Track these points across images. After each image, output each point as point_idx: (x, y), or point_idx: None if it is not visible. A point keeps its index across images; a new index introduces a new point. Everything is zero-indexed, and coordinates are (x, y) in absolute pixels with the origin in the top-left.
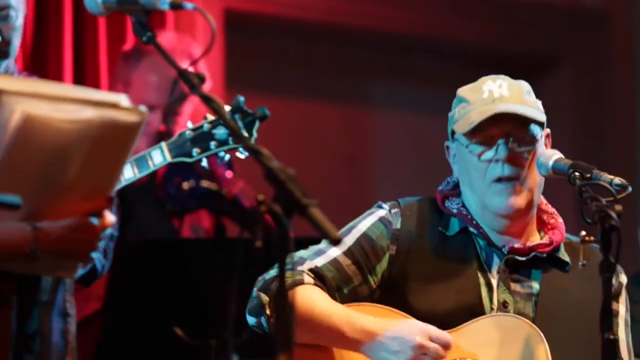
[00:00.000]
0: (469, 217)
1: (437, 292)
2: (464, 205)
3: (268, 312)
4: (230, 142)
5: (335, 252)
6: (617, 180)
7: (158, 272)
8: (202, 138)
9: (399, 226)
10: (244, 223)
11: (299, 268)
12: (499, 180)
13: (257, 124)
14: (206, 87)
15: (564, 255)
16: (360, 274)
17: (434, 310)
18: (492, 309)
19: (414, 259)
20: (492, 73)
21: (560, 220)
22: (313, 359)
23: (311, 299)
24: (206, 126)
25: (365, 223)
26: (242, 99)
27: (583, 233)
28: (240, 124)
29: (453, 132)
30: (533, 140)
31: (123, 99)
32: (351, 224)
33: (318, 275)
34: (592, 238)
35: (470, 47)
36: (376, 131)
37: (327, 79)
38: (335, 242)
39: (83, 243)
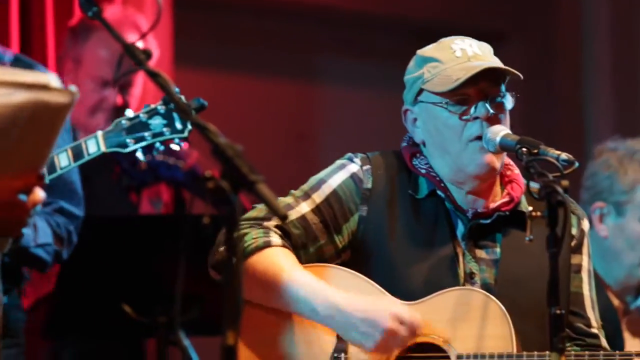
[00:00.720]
0: (437, 179)
1: (409, 261)
2: (431, 167)
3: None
4: (166, 133)
5: (304, 208)
6: (564, 155)
7: (106, 248)
8: (137, 128)
9: (369, 186)
10: (202, 194)
11: (266, 224)
12: (476, 139)
13: (192, 114)
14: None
15: (526, 207)
16: (326, 233)
17: (406, 278)
18: (459, 279)
19: (386, 224)
20: None
21: (517, 171)
22: (277, 326)
23: (279, 264)
24: (142, 116)
25: (336, 179)
26: (177, 89)
27: (530, 208)
28: (175, 115)
29: (417, 94)
30: (508, 99)
31: (53, 79)
32: (321, 175)
33: (284, 232)
34: (539, 213)
35: (419, 21)
36: (326, 107)
37: (276, 54)
38: (283, 218)
39: (12, 219)
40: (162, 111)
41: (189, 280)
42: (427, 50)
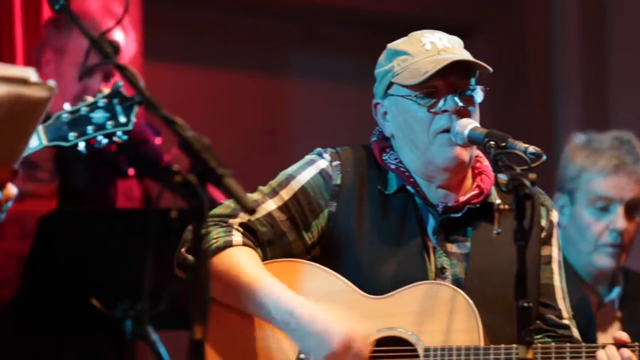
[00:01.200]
0: (406, 174)
1: (379, 257)
2: (401, 162)
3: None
4: (109, 126)
5: (271, 205)
6: (532, 148)
7: (74, 242)
8: (79, 122)
9: (339, 182)
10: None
11: (231, 221)
12: (445, 131)
13: (135, 108)
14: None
15: (496, 198)
16: (294, 230)
17: (375, 274)
18: (430, 274)
19: (355, 220)
20: None
21: (487, 162)
22: (237, 322)
23: (240, 265)
24: (84, 109)
25: (304, 175)
26: (120, 84)
27: (498, 201)
28: (118, 108)
29: (387, 88)
30: (477, 95)
31: (32, 74)
32: (290, 171)
33: (249, 230)
34: (506, 206)
35: (388, 15)
36: (296, 101)
37: (246, 48)
38: (251, 212)
39: None
40: (102, 104)
41: (157, 274)
42: (398, 44)
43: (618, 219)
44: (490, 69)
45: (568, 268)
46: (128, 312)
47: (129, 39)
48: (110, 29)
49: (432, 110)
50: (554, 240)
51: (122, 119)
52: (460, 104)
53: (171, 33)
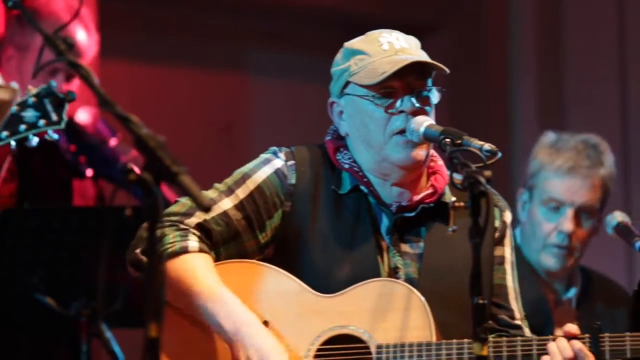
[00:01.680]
0: (360, 174)
1: (333, 257)
2: (355, 161)
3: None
4: (41, 124)
5: (226, 204)
6: (487, 146)
7: (29, 240)
8: (12, 121)
9: (294, 181)
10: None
11: (187, 221)
12: (401, 132)
13: (66, 106)
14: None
15: (450, 198)
16: (249, 229)
17: (329, 274)
18: (384, 274)
19: (309, 220)
20: None
21: (441, 162)
22: (189, 326)
23: (193, 274)
24: (14, 109)
25: (260, 174)
26: (53, 83)
27: (453, 199)
28: (50, 107)
29: (344, 87)
30: (433, 95)
31: None
32: (245, 170)
33: (205, 231)
34: (462, 204)
35: (347, 13)
36: (253, 98)
37: (203, 46)
38: (206, 209)
39: None
40: (32, 103)
41: (112, 272)
42: (355, 43)
43: (566, 221)
44: (447, 70)
45: (526, 265)
46: (82, 310)
47: (92, 39)
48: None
49: (389, 110)
50: (507, 241)
51: (54, 117)
52: (417, 104)
53: (127, 30)
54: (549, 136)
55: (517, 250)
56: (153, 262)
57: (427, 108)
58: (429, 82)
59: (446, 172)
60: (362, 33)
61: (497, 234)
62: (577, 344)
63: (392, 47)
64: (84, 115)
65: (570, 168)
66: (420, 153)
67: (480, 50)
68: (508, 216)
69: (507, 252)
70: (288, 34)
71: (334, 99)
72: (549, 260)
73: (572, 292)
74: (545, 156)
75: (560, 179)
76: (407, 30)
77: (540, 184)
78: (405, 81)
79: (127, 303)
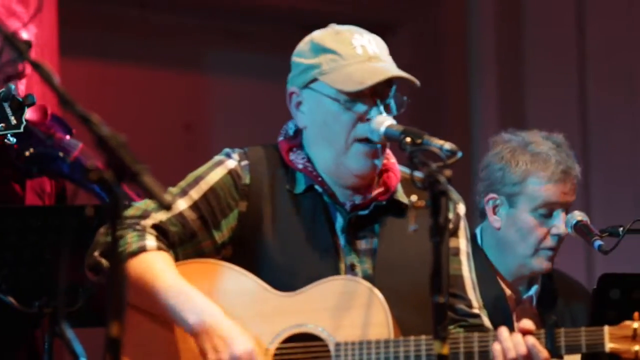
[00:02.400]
0: (314, 173)
1: (291, 257)
2: (309, 160)
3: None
4: None
5: (181, 205)
6: (447, 145)
7: None
8: None
9: (248, 181)
10: (88, 186)
11: (143, 223)
12: (363, 140)
13: (25, 110)
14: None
15: (402, 196)
16: (205, 230)
17: (287, 274)
18: (340, 273)
19: (266, 220)
20: None
21: (393, 160)
22: (150, 325)
23: (152, 271)
24: None
25: (213, 176)
26: (12, 87)
27: (413, 198)
28: (8, 111)
29: (310, 82)
30: (402, 103)
31: None
32: (198, 172)
33: (161, 231)
34: (421, 203)
35: (307, 13)
36: (212, 97)
37: (162, 45)
38: (167, 208)
39: None
40: None
41: (73, 271)
42: (326, 40)
43: (562, 224)
44: (418, 83)
45: (486, 265)
46: (44, 309)
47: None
48: (25, 24)
49: (358, 117)
50: (461, 232)
51: (13, 121)
52: (384, 114)
53: (87, 29)
54: (511, 139)
55: (478, 251)
56: (114, 261)
57: (388, 115)
58: (393, 89)
59: (398, 170)
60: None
61: (450, 226)
62: (531, 339)
63: (365, 52)
64: (31, 112)
65: (563, 172)
66: (377, 164)
67: (439, 49)
68: (462, 208)
69: (462, 243)
70: (247, 33)
71: (295, 89)
72: (542, 264)
73: (533, 290)
74: (528, 164)
75: (555, 185)
76: (366, 29)
77: (528, 191)
78: (374, 88)
79: (89, 302)
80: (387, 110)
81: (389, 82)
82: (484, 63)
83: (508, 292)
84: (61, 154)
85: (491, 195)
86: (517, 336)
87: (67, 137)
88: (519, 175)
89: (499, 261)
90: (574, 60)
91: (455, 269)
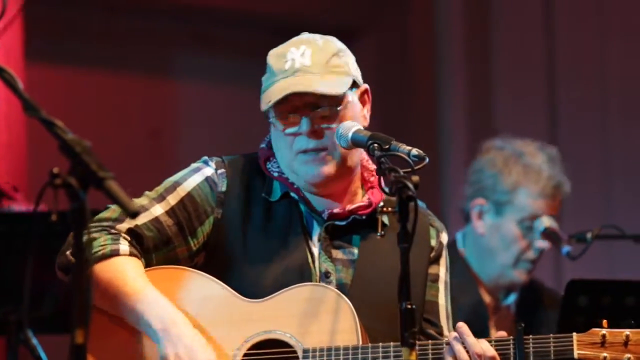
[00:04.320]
0: (289, 181)
1: (264, 264)
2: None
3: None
4: None
5: (157, 210)
6: (415, 151)
7: None
8: None
9: (224, 189)
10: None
11: (118, 227)
12: (305, 152)
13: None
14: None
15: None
16: (180, 235)
17: (259, 281)
18: (314, 279)
19: (240, 227)
20: None
21: (374, 178)
22: (120, 330)
23: (123, 276)
24: None
25: (190, 182)
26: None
27: (381, 204)
28: None
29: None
30: (333, 112)
31: None
32: (176, 178)
33: (136, 236)
34: (389, 209)
35: (276, 17)
36: (180, 103)
37: (129, 50)
38: (133, 215)
39: None
40: None
41: (39, 277)
42: (272, 55)
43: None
44: (338, 93)
45: (467, 270)
46: (9, 316)
47: None
48: None
49: (288, 132)
50: (442, 261)
51: None
52: (309, 127)
53: (53, 34)
54: (513, 150)
55: (458, 255)
56: (79, 267)
57: (333, 124)
58: (326, 102)
59: (381, 188)
60: (290, 36)
61: (433, 253)
62: (490, 351)
63: (291, 67)
64: None
65: (554, 187)
66: (326, 169)
67: (407, 54)
68: (444, 237)
69: (442, 271)
70: (216, 38)
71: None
72: (522, 275)
73: (512, 299)
74: (520, 175)
75: (545, 199)
76: (334, 34)
77: (518, 202)
78: (302, 101)
79: (54, 309)
80: (325, 120)
81: (321, 96)
82: (452, 68)
83: (487, 298)
84: None
85: (479, 200)
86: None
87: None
88: (510, 185)
89: (479, 267)
90: (543, 64)
91: (433, 295)
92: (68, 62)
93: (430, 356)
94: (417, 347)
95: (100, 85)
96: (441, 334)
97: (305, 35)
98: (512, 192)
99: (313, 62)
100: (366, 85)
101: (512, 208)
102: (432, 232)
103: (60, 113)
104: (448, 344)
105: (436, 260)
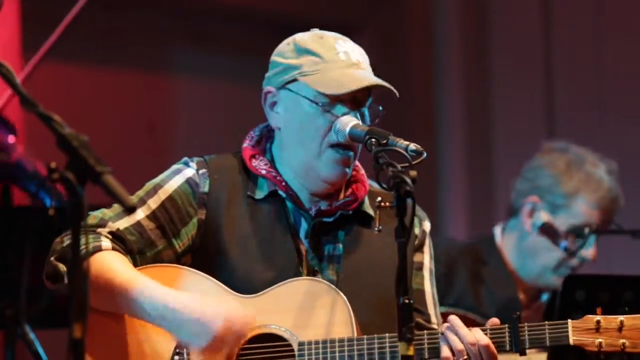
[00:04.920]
0: (278, 178)
1: (251, 262)
2: (272, 166)
3: (67, 281)
4: None
5: (139, 214)
6: (413, 146)
7: None
8: None
9: (206, 189)
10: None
11: (99, 230)
12: (336, 146)
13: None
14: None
15: (368, 207)
16: (164, 238)
17: (248, 280)
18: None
19: (225, 227)
20: None
21: (363, 171)
22: (112, 328)
23: (111, 268)
24: None
25: (171, 184)
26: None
27: (379, 199)
28: None
29: (289, 82)
30: (377, 113)
31: None
32: (156, 181)
33: (119, 239)
34: (387, 204)
35: (272, 13)
36: (177, 98)
37: (126, 46)
38: (130, 209)
39: None
40: None
41: (36, 272)
42: (308, 42)
43: (593, 250)
44: (397, 94)
45: (504, 266)
46: (6, 311)
47: None
48: None
49: (334, 121)
50: (426, 249)
51: None
52: (359, 121)
53: (48, 29)
54: (576, 155)
55: (495, 250)
56: (76, 262)
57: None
58: (370, 99)
59: (367, 182)
60: (287, 33)
61: (417, 241)
62: (478, 333)
63: (348, 58)
64: None
65: (612, 200)
66: (347, 172)
67: (404, 49)
68: (427, 226)
69: (426, 259)
70: (213, 33)
71: (271, 89)
72: (558, 281)
73: (545, 297)
74: (581, 182)
75: (600, 211)
76: (332, 30)
77: (574, 208)
78: (354, 96)
79: (51, 303)
80: (362, 118)
81: (367, 91)
82: (450, 63)
83: (521, 295)
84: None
85: (533, 197)
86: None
87: (10, 137)
88: (571, 190)
89: (520, 264)
90: (541, 60)
91: (418, 283)
92: (65, 57)
93: (425, 346)
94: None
95: (97, 80)
96: (429, 321)
97: (330, 32)
98: (570, 196)
99: (363, 60)
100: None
101: (566, 212)
102: (416, 220)
103: (58, 108)
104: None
105: (420, 248)
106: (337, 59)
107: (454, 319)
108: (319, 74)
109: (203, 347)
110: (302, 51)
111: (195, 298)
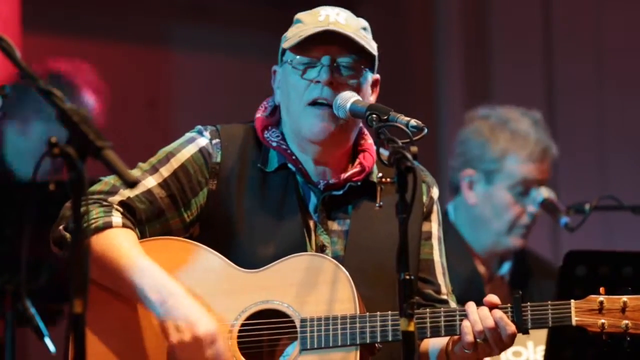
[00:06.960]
0: (288, 151)
1: (258, 236)
2: (283, 138)
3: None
4: None
5: (150, 182)
6: (414, 122)
7: None
8: None
9: (219, 160)
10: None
11: (110, 199)
12: (315, 103)
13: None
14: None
15: (377, 178)
16: (174, 208)
17: (255, 252)
18: (311, 252)
19: (235, 198)
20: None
21: (371, 141)
22: (118, 305)
23: (117, 248)
24: None
25: (184, 153)
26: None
27: (380, 175)
28: None
29: (282, 54)
30: (359, 70)
31: None
32: (169, 149)
33: (129, 208)
34: (388, 179)
35: None
36: (177, 73)
37: (127, 20)
38: (131, 184)
39: None
40: None
41: (36, 247)
42: (302, 14)
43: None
44: (371, 49)
45: (460, 242)
46: (6, 286)
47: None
48: None
49: (305, 76)
50: (434, 217)
51: None
52: (329, 75)
53: (50, 3)
54: (490, 115)
55: (451, 226)
56: (77, 237)
57: (351, 82)
58: (352, 57)
59: (375, 151)
60: (286, 7)
61: (424, 210)
62: (498, 312)
63: (326, 19)
64: None
65: (543, 151)
66: (330, 127)
67: (404, 24)
68: (435, 192)
69: (435, 227)
70: (213, 8)
71: (275, 68)
72: (517, 241)
73: (506, 268)
74: (507, 142)
75: (534, 164)
76: (331, 3)
77: (507, 169)
78: (327, 51)
79: (52, 279)
80: (348, 77)
81: (351, 49)
82: (450, 38)
83: (481, 268)
84: None
85: (468, 171)
86: (484, 310)
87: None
88: (499, 153)
89: (473, 237)
90: (540, 36)
91: (427, 253)
92: (65, 31)
93: (428, 325)
94: (428, 313)
95: (97, 55)
96: (439, 291)
97: (333, 7)
98: (501, 159)
99: (348, 24)
100: (378, 76)
101: (501, 175)
102: (423, 187)
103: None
104: (462, 316)
105: (428, 217)
106: (315, 21)
107: (470, 305)
108: (295, 38)
109: (176, 342)
110: (293, 24)
111: (194, 300)
